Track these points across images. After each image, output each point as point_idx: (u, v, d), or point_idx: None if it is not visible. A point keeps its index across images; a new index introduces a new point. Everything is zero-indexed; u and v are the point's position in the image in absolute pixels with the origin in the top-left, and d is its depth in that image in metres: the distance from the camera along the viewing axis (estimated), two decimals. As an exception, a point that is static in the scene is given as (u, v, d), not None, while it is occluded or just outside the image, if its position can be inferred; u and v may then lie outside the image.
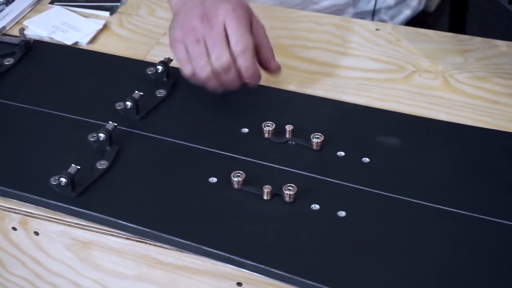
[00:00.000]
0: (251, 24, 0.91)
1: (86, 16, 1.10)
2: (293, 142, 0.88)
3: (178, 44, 0.91)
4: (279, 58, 1.03)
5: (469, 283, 0.74)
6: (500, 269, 0.75)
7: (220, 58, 0.88)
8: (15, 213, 0.82)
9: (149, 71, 0.97)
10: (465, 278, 0.74)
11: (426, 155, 0.87)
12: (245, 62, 0.89)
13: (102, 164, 0.84)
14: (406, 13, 1.26)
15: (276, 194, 0.81)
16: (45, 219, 0.81)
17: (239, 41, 0.88)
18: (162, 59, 0.96)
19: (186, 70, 0.91)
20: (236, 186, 0.82)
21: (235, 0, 0.90)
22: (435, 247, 0.77)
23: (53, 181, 0.82)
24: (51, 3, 1.13)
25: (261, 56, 0.93)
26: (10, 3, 1.11)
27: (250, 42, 0.89)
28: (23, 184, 0.83)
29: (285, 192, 0.81)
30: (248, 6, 0.92)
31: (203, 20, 0.89)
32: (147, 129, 0.90)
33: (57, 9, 1.11)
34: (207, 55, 0.89)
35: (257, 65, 0.92)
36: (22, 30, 1.04)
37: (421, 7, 1.30)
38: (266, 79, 0.99)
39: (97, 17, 1.10)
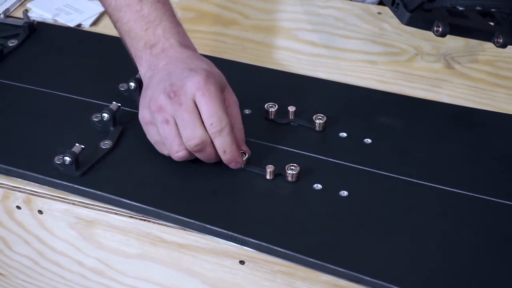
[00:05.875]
0: (224, 98, 0.81)
1: (89, -2, 1.11)
2: (295, 123, 0.88)
3: (148, 126, 0.82)
4: (282, 41, 1.03)
5: (470, 262, 0.74)
6: (502, 250, 0.76)
7: (192, 138, 0.79)
8: (20, 191, 0.83)
9: (153, 52, 0.97)
10: (466, 257, 0.75)
11: (427, 136, 0.88)
12: (221, 144, 0.80)
13: (106, 144, 0.85)
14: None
15: (279, 174, 0.82)
16: (49, 198, 0.82)
17: (213, 120, 0.79)
18: (165, 40, 0.96)
19: (163, 152, 0.83)
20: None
21: (204, 70, 0.80)
22: (436, 227, 0.77)
23: (57, 160, 0.82)
24: (55, -15, 1.13)
25: None
26: (14, -15, 1.12)
27: (225, 120, 0.79)
28: (27, 163, 0.83)
29: (288, 172, 0.81)
30: (220, 74, 0.83)
31: (171, 96, 0.79)
32: (151, 110, 0.90)
33: (60, -9, 1.11)
34: (179, 136, 0.80)
35: (235, 145, 0.81)
36: (25, 12, 1.04)
37: None
38: (270, 62, 0.99)
39: (100, -1, 1.11)
